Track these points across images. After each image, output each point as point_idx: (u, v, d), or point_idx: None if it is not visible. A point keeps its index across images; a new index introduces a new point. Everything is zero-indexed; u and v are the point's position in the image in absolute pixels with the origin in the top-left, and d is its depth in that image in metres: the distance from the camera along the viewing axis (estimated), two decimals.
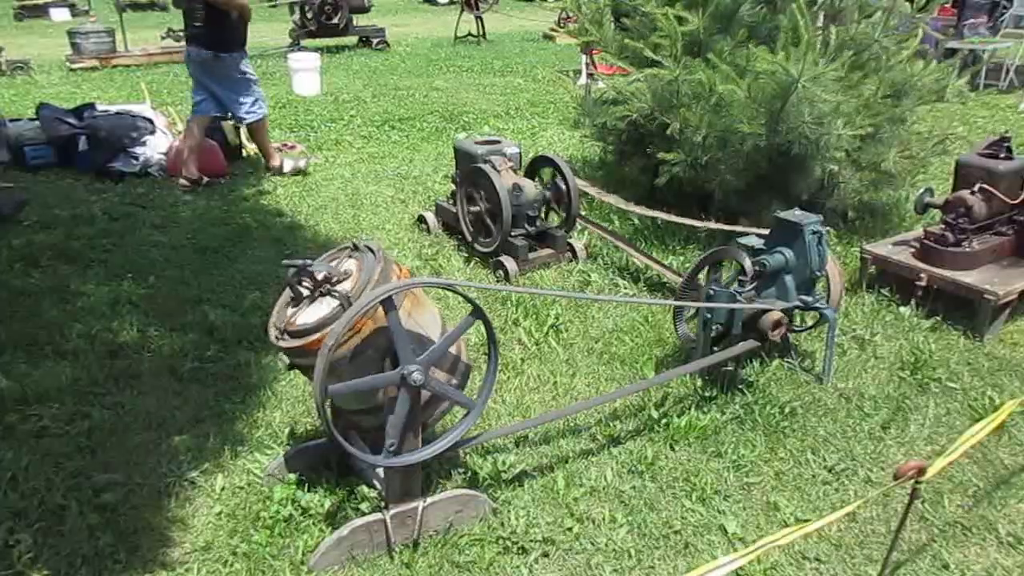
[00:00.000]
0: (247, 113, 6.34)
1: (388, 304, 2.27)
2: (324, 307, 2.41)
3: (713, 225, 4.77)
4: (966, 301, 4.05)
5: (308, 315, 2.42)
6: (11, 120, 6.99)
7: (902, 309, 4.21)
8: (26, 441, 3.11)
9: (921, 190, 4.49)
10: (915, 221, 5.26)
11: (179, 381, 3.56)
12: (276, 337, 2.47)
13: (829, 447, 3.16)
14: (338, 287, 2.41)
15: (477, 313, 2.43)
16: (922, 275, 4.14)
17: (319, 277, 2.42)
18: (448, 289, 2.56)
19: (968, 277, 4.04)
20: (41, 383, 3.46)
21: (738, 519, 2.77)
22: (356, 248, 2.54)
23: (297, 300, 2.49)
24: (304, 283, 2.46)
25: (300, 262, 2.44)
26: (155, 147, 6.67)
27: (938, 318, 4.10)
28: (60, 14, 17.65)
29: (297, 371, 2.57)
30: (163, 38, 12.91)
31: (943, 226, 4.26)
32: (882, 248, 4.48)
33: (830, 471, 3.02)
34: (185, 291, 4.43)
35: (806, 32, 4.28)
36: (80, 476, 2.91)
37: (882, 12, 4.87)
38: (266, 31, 14.70)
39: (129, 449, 3.08)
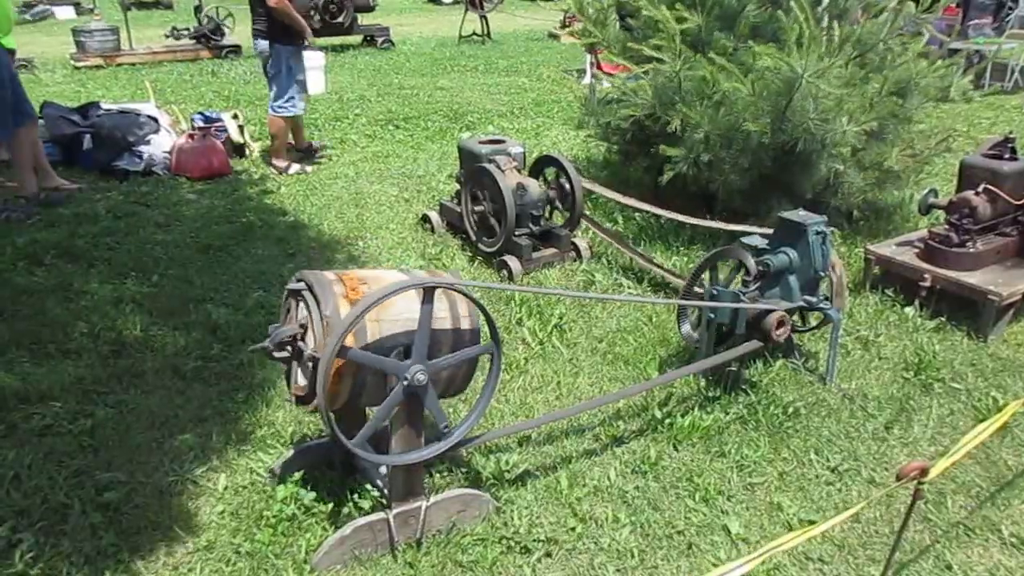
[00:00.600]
0: (279, 107, 6.46)
1: (343, 349, 2.25)
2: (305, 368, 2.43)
3: (715, 224, 4.75)
4: (970, 302, 4.04)
5: (301, 376, 2.45)
6: None
7: (906, 310, 4.20)
8: (29, 439, 3.12)
9: (925, 191, 4.49)
10: (919, 222, 5.25)
11: (182, 380, 3.56)
12: (291, 401, 2.52)
13: (832, 447, 3.16)
14: (306, 343, 2.39)
15: (428, 298, 2.34)
16: (926, 276, 4.13)
17: (287, 340, 2.41)
18: (420, 287, 2.51)
19: (972, 278, 4.04)
20: (44, 381, 3.46)
21: (741, 519, 2.77)
22: (298, 292, 2.46)
23: (288, 363, 2.49)
24: (283, 349, 2.44)
25: (260, 347, 2.43)
26: (159, 146, 6.68)
27: (942, 319, 4.09)
28: (65, 12, 17.63)
29: None
30: (167, 37, 12.93)
31: (947, 227, 4.25)
32: (886, 248, 4.47)
33: (833, 471, 3.02)
34: (188, 290, 4.43)
35: (808, 27, 4.27)
36: (83, 475, 2.92)
37: (888, 12, 4.86)
38: None
39: (132, 448, 3.09)
